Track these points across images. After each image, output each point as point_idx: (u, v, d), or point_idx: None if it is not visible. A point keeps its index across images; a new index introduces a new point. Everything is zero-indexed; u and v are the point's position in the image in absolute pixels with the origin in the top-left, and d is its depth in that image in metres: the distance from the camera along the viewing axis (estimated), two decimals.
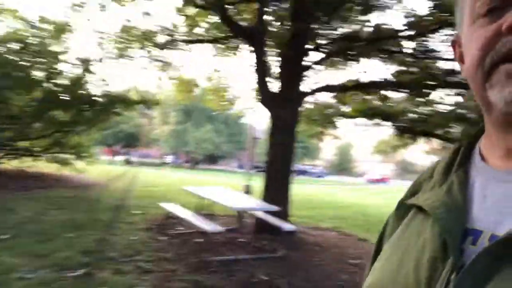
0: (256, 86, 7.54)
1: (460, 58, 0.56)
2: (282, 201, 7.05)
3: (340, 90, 8.17)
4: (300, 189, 19.38)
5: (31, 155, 12.16)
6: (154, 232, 6.45)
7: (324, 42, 7.62)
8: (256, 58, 7.30)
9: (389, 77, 7.73)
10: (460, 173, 0.55)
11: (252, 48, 7.44)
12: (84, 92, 11.03)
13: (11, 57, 9.38)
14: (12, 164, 12.27)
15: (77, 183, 11.58)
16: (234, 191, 7.81)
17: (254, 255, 5.64)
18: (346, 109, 9.37)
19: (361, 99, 8.77)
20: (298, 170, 46.59)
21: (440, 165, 0.59)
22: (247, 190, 14.30)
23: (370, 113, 8.17)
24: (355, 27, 7.27)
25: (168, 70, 9.90)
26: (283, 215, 6.88)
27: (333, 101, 9.50)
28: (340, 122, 10.64)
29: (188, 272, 4.67)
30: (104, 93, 11.24)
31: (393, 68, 7.87)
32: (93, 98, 11.10)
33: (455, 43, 0.58)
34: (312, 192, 19.54)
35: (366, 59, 7.63)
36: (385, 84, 7.57)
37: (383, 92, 8.32)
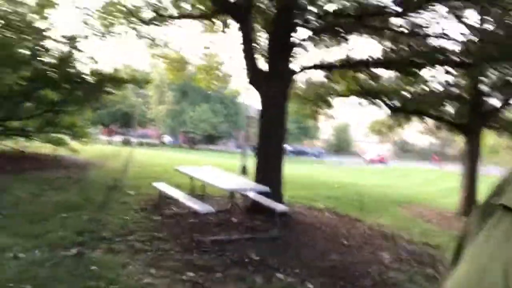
0: (244, 63, 7.47)
1: None
2: (274, 181, 7.07)
3: (329, 68, 8.09)
4: (297, 170, 19.47)
5: (24, 135, 12.10)
6: (148, 212, 6.49)
7: (311, 18, 7.52)
8: (243, 34, 7.20)
9: (379, 55, 7.67)
10: None
11: (239, 25, 7.34)
12: (72, 70, 10.85)
13: None
14: (6, 144, 12.23)
15: (73, 164, 11.57)
16: (225, 171, 7.82)
17: (246, 235, 5.71)
18: (338, 88, 9.30)
19: (352, 77, 8.69)
20: (296, 150, 46.71)
21: None
22: (243, 171, 14.38)
23: (361, 92, 8.10)
24: (343, 3, 7.17)
25: (157, 48, 9.76)
26: (276, 195, 6.92)
27: (326, 80, 9.43)
28: (336, 101, 10.63)
29: (181, 251, 4.73)
30: (93, 72, 11.08)
31: (382, 46, 7.78)
32: (82, 76, 10.92)
33: None
34: (309, 173, 19.64)
35: (358, 37, 7.53)
36: (373, 62, 7.49)
37: (373, 70, 8.25)
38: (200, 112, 40.62)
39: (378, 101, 9.46)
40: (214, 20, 9.04)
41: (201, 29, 9.68)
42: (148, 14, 8.63)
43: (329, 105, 11.01)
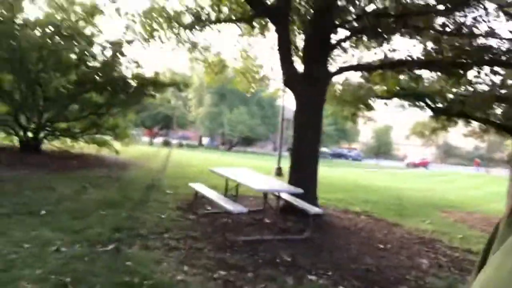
0: (281, 66, 7.45)
1: None
2: (309, 183, 7.00)
3: (367, 69, 7.87)
4: (334, 172, 19.18)
5: (70, 136, 12.74)
6: (183, 211, 6.62)
7: (350, 18, 7.35)
8: (280, 36, 7.18)
9: (420, 55, 7.37)
10: None
11: (276, 27, 7.34)
12: (116, 74, 11.32)
13: (46, 41, 9.68)
14: (54, 144, 12.93)
15: (114, 163, 12.01)
16: (259, 172, 7.84)
17: (279, 236, 5.69)
18: (378, 89, 9.05)
19: (392, 78, 8.44)
20: (334, 153, 46.06)
21: None
22: (279, 172, 14.37)
23: (402, 94, 7.83)
24: (384, 2, 6.97)
25: (197, 52, 9.96)
26: (311, 197, 6.85)
27: (365, 81, 9.21)
28: (377, 103, 10.34)
29: (214, 250, 4.79)
30: (136, 75, 11.49)
31: (425, 46, 7.48)
32: (125, 80, 11.37)
33: None
34: (346, 175, 19.29)
35: (400, 37, 7.30)
36: (414, 63, 7.21)
37: (415, 71, 7.96)
38: (237, 114, 41.00)
39: (420, 103, 9.14)
40: (252, 23, 9.10)
41: (240, 32, 9.78)
42: (188, 19, 8.84)
43: (369, 108, 10.74)
